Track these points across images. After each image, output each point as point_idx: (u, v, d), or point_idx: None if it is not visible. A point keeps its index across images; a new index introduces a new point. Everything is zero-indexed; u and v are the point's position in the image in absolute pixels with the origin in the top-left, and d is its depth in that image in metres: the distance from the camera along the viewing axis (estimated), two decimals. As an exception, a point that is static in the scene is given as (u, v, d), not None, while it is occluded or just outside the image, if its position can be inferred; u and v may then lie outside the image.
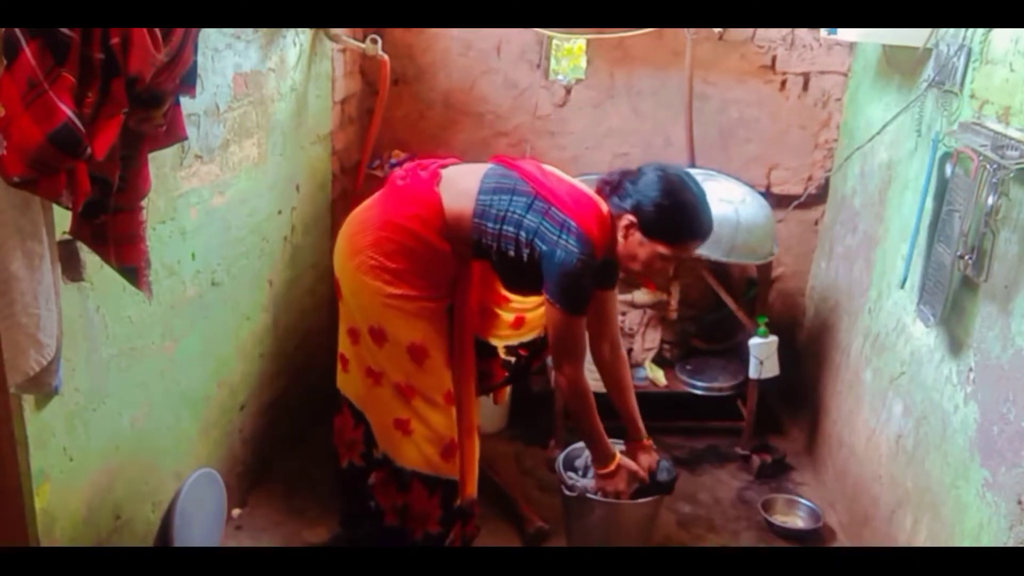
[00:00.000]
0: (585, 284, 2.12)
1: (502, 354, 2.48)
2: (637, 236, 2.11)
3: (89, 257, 1.69)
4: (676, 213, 2.09)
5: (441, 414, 2.24)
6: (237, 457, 2.61)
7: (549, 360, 3.03)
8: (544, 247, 2.08)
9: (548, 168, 2.25)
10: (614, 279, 2.38)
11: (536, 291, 2.21)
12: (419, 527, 2.33)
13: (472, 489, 2.42)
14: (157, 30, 1.38)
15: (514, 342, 2.48)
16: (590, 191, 2.19)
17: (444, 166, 2.26)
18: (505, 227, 2.12)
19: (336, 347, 3.38)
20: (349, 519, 2.49)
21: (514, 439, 3.21)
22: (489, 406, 3.21)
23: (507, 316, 2.46)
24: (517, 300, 2.45)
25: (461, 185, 2.18)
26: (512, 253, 2.14)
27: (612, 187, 2.17)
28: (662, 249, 2.10)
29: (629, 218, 2.11)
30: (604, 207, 2.15)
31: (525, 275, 2.17)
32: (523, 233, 2.10)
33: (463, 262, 2.25)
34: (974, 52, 2.12)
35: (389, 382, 2.23)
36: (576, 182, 2.22)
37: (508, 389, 2.72)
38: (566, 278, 2.08)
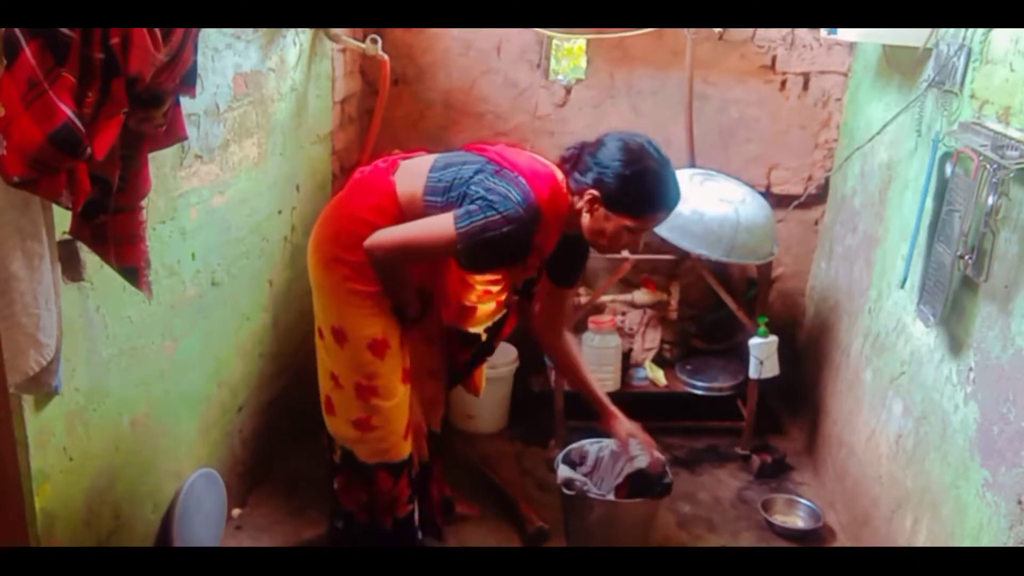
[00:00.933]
0: (500, 239, 1.94)
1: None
2: (601, 211, 2.03)
3: (89, 257, 1.69)
4: (639, 184, 2.00)
5: (400, 400, 2.23)
6: (237, 457, 2.61)
7: (548, 359, 3.04)
8: (487, 198, 1.97)
9: (517, 149, 2.21)
10: (574, 276, 2.39)
11: (494, 271, 2.24)
12: (388, 516, 2.33)
13: (421, 442, 2.46)
14: (157, 30, 1.38)
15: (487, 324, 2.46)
16: (553, 167, 2.11)
17: (407, 157, 2.23)
18: (449, 196, 2.03)
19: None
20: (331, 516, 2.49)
21: (514, 439, 3.21)
22: (490, 406, 3.21)
23: (486, 307, 2.42)
24: (482, 283, 2.40)
25: (415, 169, 2.14)
26: None
27: (572, 162, 2.09)
28: (627, 222, 2.02)
29: (591, 192, 2.02)
30: (562, 180, 2.08)
31: (479, 259, 2.07)
32: (468, 199, 2.00)
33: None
34: (974, 52, 2.12)
35: (349, 383, 2.19)
36: (542, 159, 2.15)
37: (483, 377, 2.67)
38: (487, 214, 1.94)
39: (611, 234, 2.05)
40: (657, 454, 2.45)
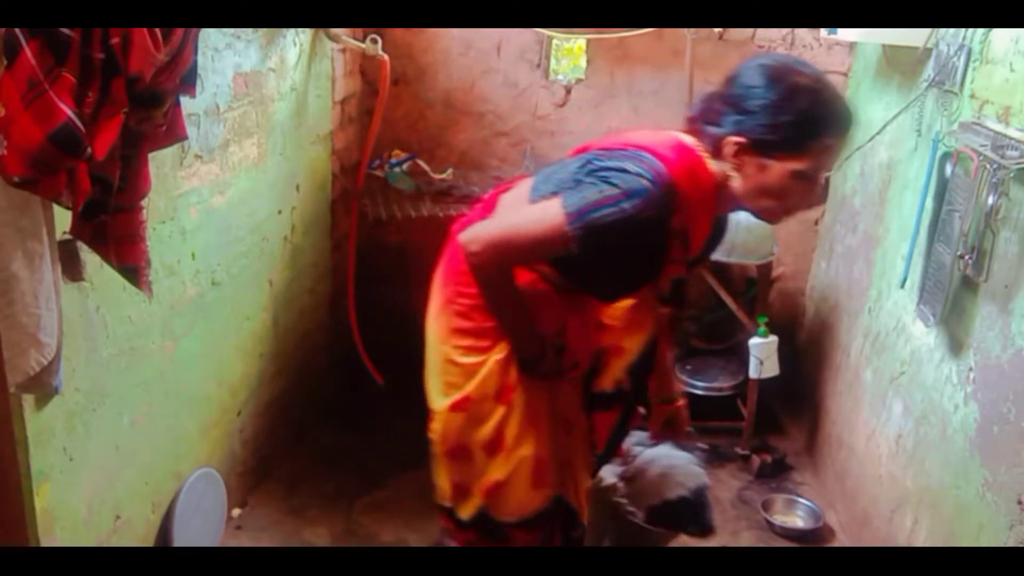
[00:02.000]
0: (624, 220, 1.49)
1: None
2: (754, 161, 1.53)
3: (89, 257, 1.69)
4: (792, 107, 1.50)
5: (534, 445, 1.75)
6: (237, 457, 2.61)
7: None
8: (600, 174, 1.55)
9: (631, 131, 1.75)
10: (698, 262, 1.85)
11: (631, 284, 1.70)
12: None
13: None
14: (157, 30, 1.38)
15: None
16: (680, 134, 1.64)
17: (505, 189, 1.83)
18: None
19: (334, 345, 3.38)
20: None
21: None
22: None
23: (631, 341, 1.82)
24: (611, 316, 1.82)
25: (516, 196, 1.75)
26: None
27: (702, 115, 1.61)
28: (793, 164, 1.51)
29: (735, 140, 1.53)
30: (696, 145, 1.60)
31: (604, 258, 1.59)
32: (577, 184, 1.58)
33: (556, 289, 1.74)
34: (974, 52, 2.12)
35: (480, 449, 1.75)
36: (664, 130, 1.69)
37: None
38: (601, 188, 1.51)
39: (777, 188, 1.54)
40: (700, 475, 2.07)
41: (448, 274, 1.81)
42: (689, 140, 1.61)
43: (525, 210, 1.65)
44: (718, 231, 1.82)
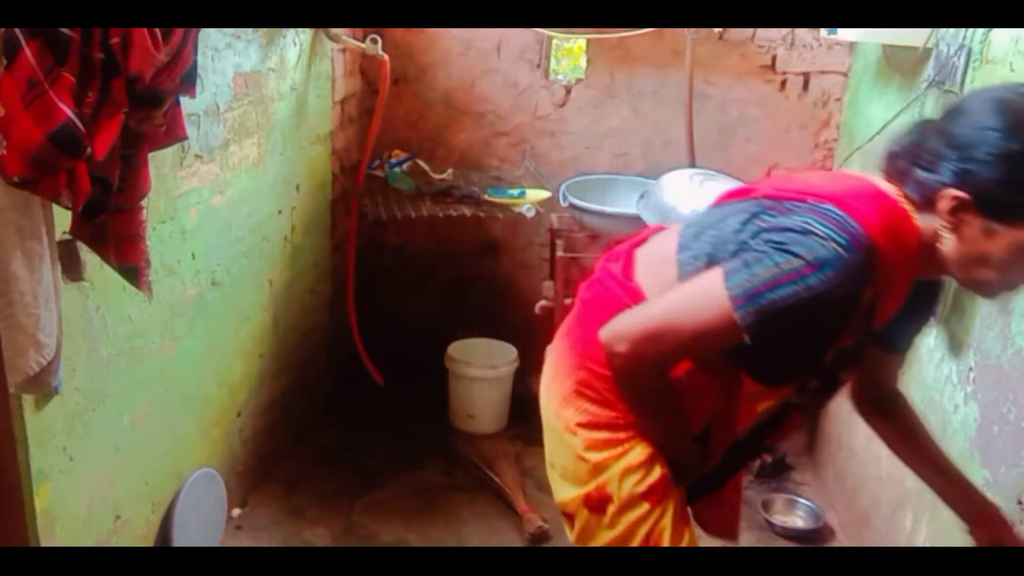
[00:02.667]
0: (811, 299, 1.17)
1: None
2: (976, 222, 1.19)
3: (89, 257, 1.69)
4: None
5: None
6: (237, 457, 2.61)
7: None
8: (774, 240, 1.22)
9: (806, 172, 1.44)
10: (912, 335, 1.54)
11: (803, 366, 1.38)
12: None
13: None
14: (157, 30, 1.38)
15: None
16: (874, 179, 1.31)
17: (640, 243, 1.54)
18: (713, 263, 1.30)
19: (334, 344, 3.39)
20: None
21: (514, 439, 3.21)
22: (490, 406, 3.21)
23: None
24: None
25: (659, 254, 1.45)
26: None
27: (912, 154, 1.26)
28: None
29: (954, 195, 1.19)
30: (897, 195, 1.26)
31: (779, 340, 1.25)
32: (744, 250, 1.26)
33: (706, 370, 1.39)
34: (974, 52, 2.12)
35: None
36: (851, 172, 1.46)
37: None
38: (777, 261, 1.18)
39: (1002, 260, 1.20)
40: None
41: (579, 355, 1.49)
42: (889, 188, 1.26)
43: (677, 292, 1.30)
44: (921, 302, 1.42)
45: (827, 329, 1.29)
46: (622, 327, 1.31)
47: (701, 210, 1.51)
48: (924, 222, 1.24)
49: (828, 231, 1.17)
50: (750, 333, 1.20)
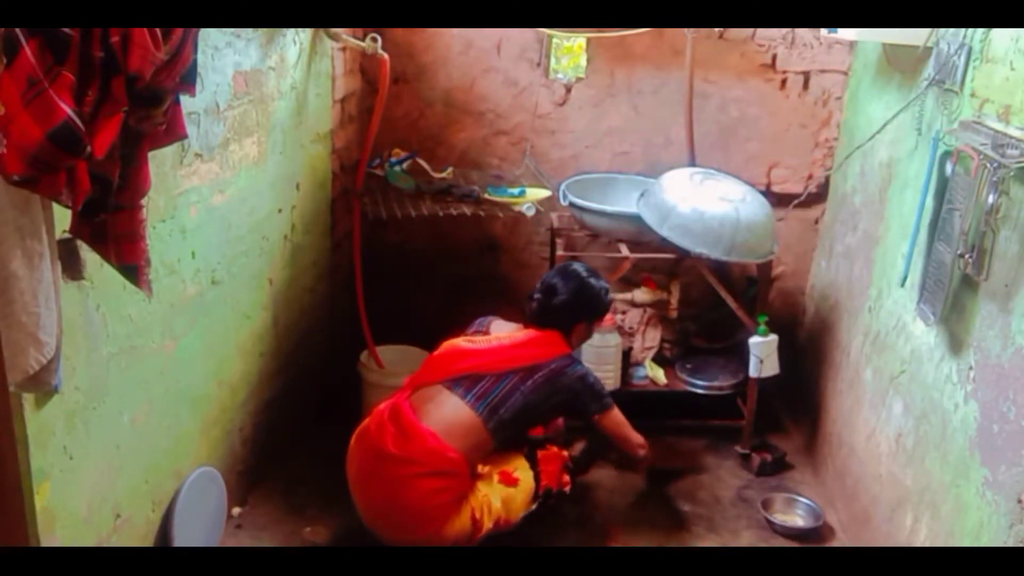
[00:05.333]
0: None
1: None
2: (584, 329, 2.67)
3: (89, 255, 1.69)
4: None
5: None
6: (237, 455, 2.61)
7: None
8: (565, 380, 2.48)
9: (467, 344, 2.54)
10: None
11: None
12: None
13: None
14: (157, 29, 1.38)
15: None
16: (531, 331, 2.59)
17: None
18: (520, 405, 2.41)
19: (334, 345, 3.39)
20: None
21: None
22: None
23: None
24: None
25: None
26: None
27: (548, 317, 2.61)
28: (601, 320, 2.72)
29: (583, 324, 2.64)
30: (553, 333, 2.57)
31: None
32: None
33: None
34: (974, 51, 2.12)
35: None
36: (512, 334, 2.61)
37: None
38: (592, 382, 2.52)
39: (586, 337, 2.77)
40: None
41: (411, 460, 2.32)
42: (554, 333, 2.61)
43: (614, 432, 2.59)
44: None
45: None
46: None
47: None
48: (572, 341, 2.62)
49: (572, 364, 2.53)
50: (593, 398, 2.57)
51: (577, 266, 2.65)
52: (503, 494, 2.41)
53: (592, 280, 2.61)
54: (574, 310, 2.58)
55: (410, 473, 2.26)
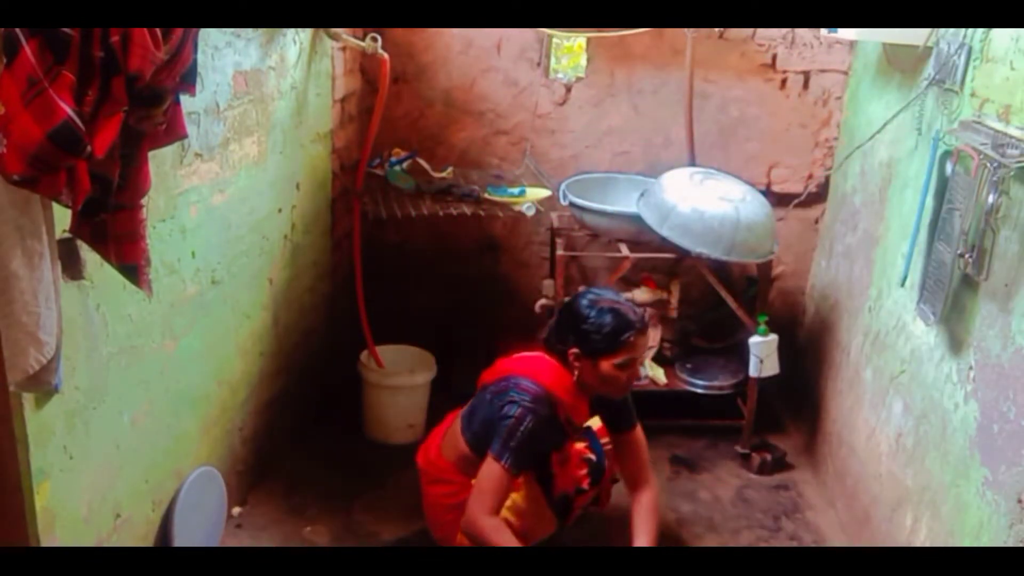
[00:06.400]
0: (529, 436, 2.15)
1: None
2: (588, 363, 2.24)
3: (89, 255, 1.69)
4: (600, 324, 2.21)
5: None
6: (237, 455, 2.61)
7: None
8: (497, 410, 2.21)
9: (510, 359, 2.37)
10: (626, 420, 2.45)
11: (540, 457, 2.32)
12: None
13: None
14: (157, 28, 1.38)
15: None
16: (540, 352, 2.35)
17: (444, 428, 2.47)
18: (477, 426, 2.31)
19: (334, 345, 3.39)
20: None
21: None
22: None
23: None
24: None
25: (453, 430, 2.40)
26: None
27: (549, 338, 2.35)
28: (612, 360, 2.21)
29: (572, 351, 2.25)
30: (555, 361, 2.30)
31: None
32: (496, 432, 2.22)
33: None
34: (974, 50, 2.12)
35: None
36: (529, 353, 2.36)
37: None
38: (512, 426, 2.16)
39: (609, 377, 2.24)
40: None
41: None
42: (552, 359, 2.31)
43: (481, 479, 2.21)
44: (614, 403, 2.42)
45: (549, 439, 2.27)
46: (469, 521, 2.18)
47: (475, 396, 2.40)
48: (571, 367, 2.28)
49: (523, 396, 2.20)
50: (514, 465, 2.16)
51: (591, 292, 2.33)
52: (508, 502, 2.29)
53: (588, 310, 2.25)
54: (560, 334, 2.30)
55: (424, 481, 2.45)
